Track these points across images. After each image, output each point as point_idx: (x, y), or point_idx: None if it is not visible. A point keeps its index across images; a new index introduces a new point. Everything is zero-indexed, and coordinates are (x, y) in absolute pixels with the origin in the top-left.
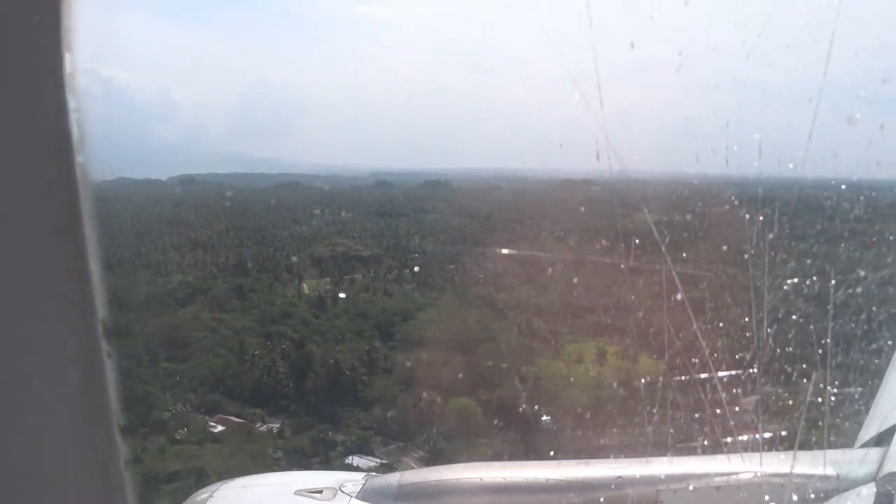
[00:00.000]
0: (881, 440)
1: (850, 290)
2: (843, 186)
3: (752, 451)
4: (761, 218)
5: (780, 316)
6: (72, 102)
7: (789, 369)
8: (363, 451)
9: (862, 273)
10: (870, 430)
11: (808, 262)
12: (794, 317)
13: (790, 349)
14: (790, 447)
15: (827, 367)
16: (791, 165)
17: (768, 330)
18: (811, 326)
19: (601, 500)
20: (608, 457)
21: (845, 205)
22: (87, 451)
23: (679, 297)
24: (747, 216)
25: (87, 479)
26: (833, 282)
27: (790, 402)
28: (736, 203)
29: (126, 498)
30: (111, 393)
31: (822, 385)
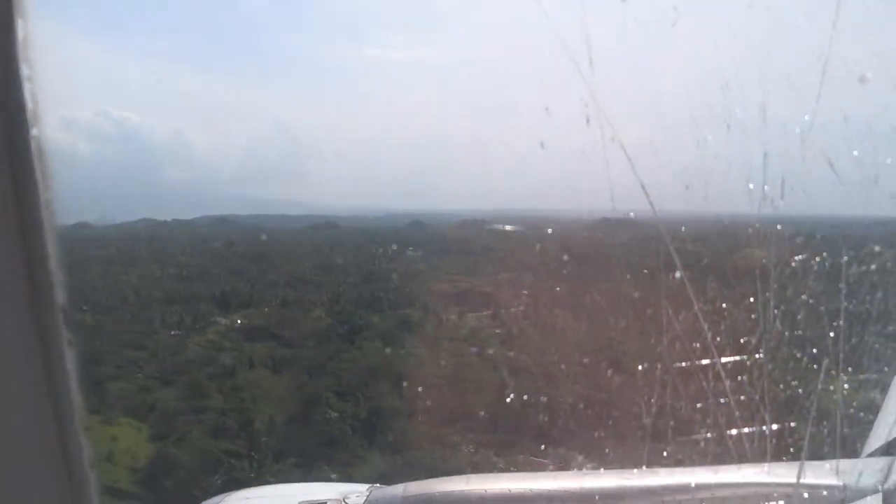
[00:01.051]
0: (889, 449)
1: (864, 267)
2: (856, 153)
3: (760, 444)
4: (766, 188)
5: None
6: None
7: (798, 354)
8: None
9: (877, 248)
10: (877, 438)
11: (818, 236)
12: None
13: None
14: (800, 440)
15: (839, 351)
16: (798, 130)
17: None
18: (822, 307)
19: None
20: (616, 467)
21: (856, 174)
22: (50, 446)
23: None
24: (751, 186)
25: (51, 473)
26: (845, 257)
27: (800, 390)
28: (738, 172)
29: (90, 492)
30: (73, 387)
31: (833, 372)
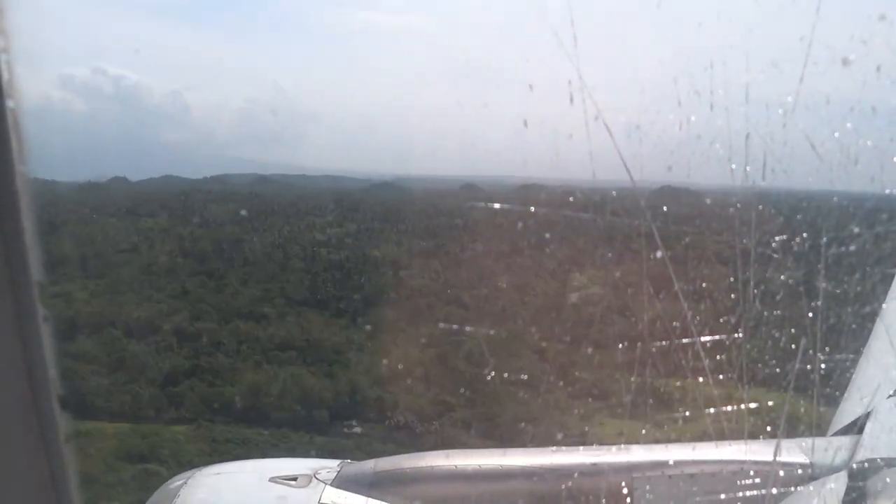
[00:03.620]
0: (855, 428)
1: (844, 248)
2: (837, 134)
3: (737, 422)
4: (748, 169)
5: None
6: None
7: (777, 334)
8: None
9: (856, 230)
10: (844, 417)
11: (798, 217)
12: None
13: (777, 312)
14: (777, 418)
15: (817, 331)
16: (780, 111)
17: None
18: (800, 288)
19: (576, 487)
20: (586, 444)
21: (837, 155)
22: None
23: None
24: (733, 167)
25: (30, 456)
26: (825, 238)
27: (777, 369)
28: (721, 152)
29: (67, 473)
30: (49, 363)
31: (811, 351)
